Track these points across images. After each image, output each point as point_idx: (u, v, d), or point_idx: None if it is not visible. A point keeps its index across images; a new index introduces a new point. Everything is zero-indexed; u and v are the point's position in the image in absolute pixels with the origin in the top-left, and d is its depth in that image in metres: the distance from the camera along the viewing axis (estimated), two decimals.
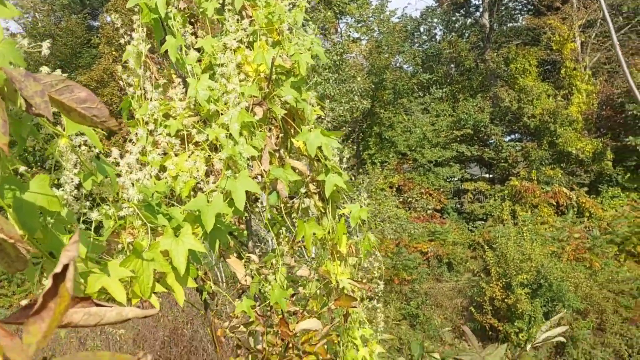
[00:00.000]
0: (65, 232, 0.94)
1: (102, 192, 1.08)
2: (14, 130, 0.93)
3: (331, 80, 11.97)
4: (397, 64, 17.42)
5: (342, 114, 12.10)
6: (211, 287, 1.41)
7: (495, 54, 17.03)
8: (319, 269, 1.66)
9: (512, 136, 17.53)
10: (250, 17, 1.74)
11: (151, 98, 1.42)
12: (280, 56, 1.76)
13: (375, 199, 11.89)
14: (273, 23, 1.72)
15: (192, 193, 1.39)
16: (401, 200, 13.45)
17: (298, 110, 1.77)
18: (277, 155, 1.67)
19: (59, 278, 0.42)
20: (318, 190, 1.80)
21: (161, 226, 1.21)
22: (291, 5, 1.82)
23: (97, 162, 1.03)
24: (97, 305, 0.64)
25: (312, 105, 1.79)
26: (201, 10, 1.64)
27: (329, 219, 1.79)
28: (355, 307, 1.48)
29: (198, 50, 1.67)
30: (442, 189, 14.80)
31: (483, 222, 14.17)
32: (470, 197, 15.33)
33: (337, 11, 15.46)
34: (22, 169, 0.90)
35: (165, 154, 1.39)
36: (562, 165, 14.50)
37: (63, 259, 0.42)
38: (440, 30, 21.39)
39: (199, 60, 1.66)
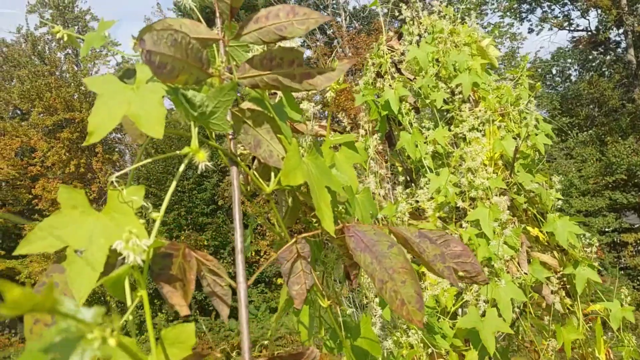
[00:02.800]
0: None
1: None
2: None
3: None
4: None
5: None
6: None
7: None
8: None
9: None
10: (476, 101, 1.65)
11: (399, 199, 1.36)
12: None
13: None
14: (502, 105, 1.61)
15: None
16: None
17: (534, 196, 1.61)
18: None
19: None
20: (562, 285, 1.59)
21: (440, 347, 1.11)
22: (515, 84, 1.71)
23: None
24: None
25: (550, 189, 1.62)
26: (428, 101, 1.59)
27: (579, 318, 1.56)
28: None
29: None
30: (598, 242, 13.29)
31: None
32: (631, 250, 13.59)
33: None
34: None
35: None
36: None
37: None
38: (575, 70, 20.11)
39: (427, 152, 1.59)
